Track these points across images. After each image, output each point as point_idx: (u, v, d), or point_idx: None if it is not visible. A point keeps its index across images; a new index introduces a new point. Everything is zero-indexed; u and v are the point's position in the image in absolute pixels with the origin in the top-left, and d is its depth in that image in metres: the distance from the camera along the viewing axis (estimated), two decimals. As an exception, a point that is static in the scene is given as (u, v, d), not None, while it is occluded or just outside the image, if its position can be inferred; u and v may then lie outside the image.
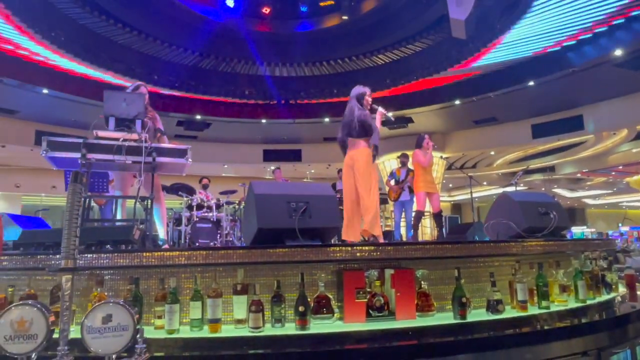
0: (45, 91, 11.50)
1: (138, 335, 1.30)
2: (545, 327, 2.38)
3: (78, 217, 1.19)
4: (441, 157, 12.04)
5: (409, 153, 7.60)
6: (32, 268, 2.31)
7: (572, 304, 2.74)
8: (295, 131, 15.20)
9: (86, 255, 2.24)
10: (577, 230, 24.06)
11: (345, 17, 10.79)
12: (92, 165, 3.47)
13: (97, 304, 1.24)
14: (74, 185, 1.13)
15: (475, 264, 2.69)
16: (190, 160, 3.72)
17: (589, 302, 2.80)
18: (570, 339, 2.36)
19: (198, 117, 14.19)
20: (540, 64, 11.24)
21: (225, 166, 17.22)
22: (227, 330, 2.19)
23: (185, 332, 2.18)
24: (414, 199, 7.44)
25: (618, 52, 9.85)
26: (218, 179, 16.10)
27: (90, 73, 11.79)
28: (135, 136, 3.50)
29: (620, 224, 26.01)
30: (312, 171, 17.18)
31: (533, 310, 2.55)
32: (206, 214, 7.61)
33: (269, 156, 16.19)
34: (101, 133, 3.48)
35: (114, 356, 1.19)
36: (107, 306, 1.22)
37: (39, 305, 1.23)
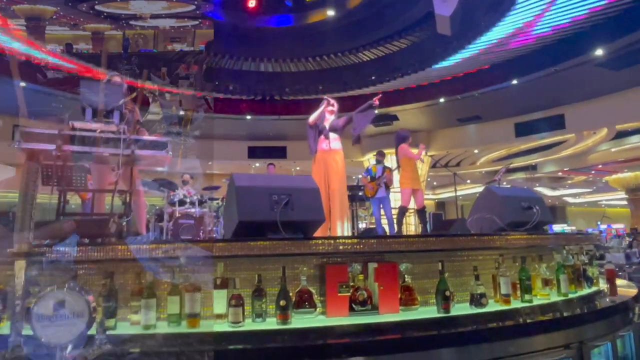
0: (22, 84, 11.19)
1: (98, 325, 1.22)
2: (528, 321, 2.37)
3: (34, 197, 1.11)
4: (426, 153, 12.12)
5: (386, 151, 7.76)
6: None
7: (555, 298, 2.75)
8: (281, 128, 15.10)
9: (58, 248, 2.14)
10: (557, 228, 24.45)
11: (331, 13, 10.73)
12: (68, 157, 3.35)
13: (48, 289, 1.15)
14: (29, 163, 1.05)
15: (459, 257, 2.67)
16: (170, 153, 3.63)
17: (570, 295, 2.81)
18: (553, 332, 2.36)
19: (182, 112, 13.99)
20: (524, 63, 11.37)
21: (210, 163, 17.02)
22: (206, 326, 2.13)
23: (163, 328, 2.11)
24: (390, 195, 7.59)
25: (599, 52, 10.01)
26: (203, 175, 15.91)
27: (69, 66, 11.53)
28: (113, 127, 3.39)
29: (599, 222, 26.54)
30: (297, 168, 17.10)
31: (516, 303, 2.55)
32: (188, 210, 7.49)
33: (254, 153, 16.05)
34: (77, 124, 3.36)
35: (68, 347, 1.11)
36: (60, 292, 1.14)
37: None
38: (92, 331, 1.30)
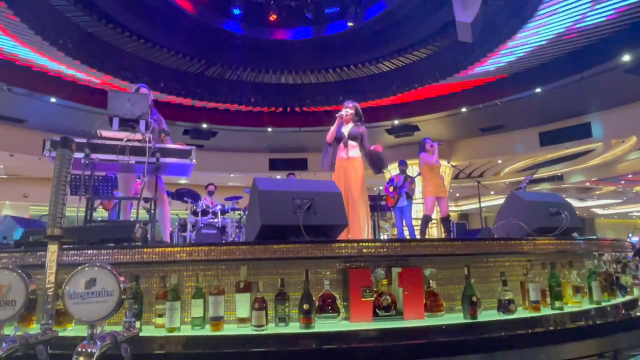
0: (53, 100, 11.59)
1: (127, 308, 1.23)
2: (559, 328, 2.29)
3: (66, 184, 1.13)
4: (448, 162, 11.99)
5: (409, 161, 7.69)
6: (31, 265, 2.26)
7: (586, 306, 2.65)
8: (301, 140, 15.18)
9: (86, 251, 2.19)
10: (586, 240, 23.69)
11: (350, 24, 10.81)
12: (96, 165, 3.45)
13: (79, 267, 1.17)
14: (62, 151, 1.08)
15: (486, 263, 2.61)
16: (194, 161, 3.69)
17: (603, 303, 2.71)
18: (586, 340, 2.27)
19: (204, 125, 14.23)
20: (547, 70, 11.17)
21: (232, 175, 17.23)
22: (230, 329, 2.13)
23: (187, 331, 2.12)
24: (412, 205, 7.51)
25: (626, 58, 9.77)
26: (224, 188, 16.10)
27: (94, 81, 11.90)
28: (139, 136, 3.47)
29: (630, 234, 25.65)
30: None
31: (546, 311, 2.47)
32: (211, 220, 7.57)
33: (275, 165, 16.16)
34: (105, 133, 3.46)
35: (99, 325, 1.12)
36: (91, 270, 1.15)
37: (19, 271, 1.16)
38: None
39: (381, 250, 2.25)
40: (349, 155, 4.66)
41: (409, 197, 7.52)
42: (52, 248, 1.13)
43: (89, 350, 1.02)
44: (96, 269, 1.13)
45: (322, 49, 11.89)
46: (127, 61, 11.29)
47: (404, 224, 7.67)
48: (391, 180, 7.92)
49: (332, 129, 4.72)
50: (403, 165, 7.97)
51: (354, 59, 11.91)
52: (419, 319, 2.27)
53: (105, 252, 2.20)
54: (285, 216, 2.41)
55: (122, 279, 1.15)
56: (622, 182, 19.84)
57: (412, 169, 12.92)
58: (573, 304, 2.63)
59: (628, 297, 3.06)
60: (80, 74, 11.46)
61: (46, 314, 1.13)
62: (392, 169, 15.71)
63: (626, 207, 26.88)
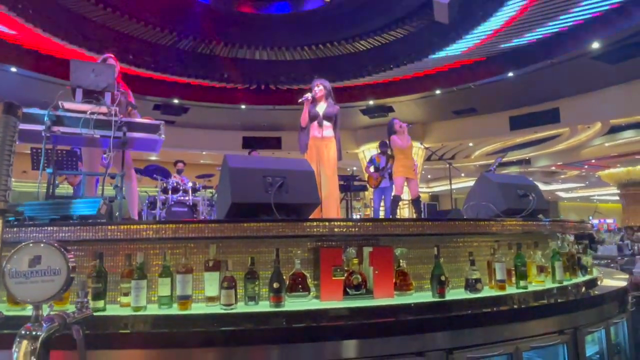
0: (13, 70, 11.00)
1: (80, 286, 1.18)
2: (523, 306, 2.36)
3: (11, 154, 1.05)
4: (420, 143, 12.09)
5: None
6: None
7: (549, 285, 2.74)
8: (276, 118, 15.00)
9: (46, 228, 2.09)
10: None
11: (327, 0, 10.61)
12: (58, 138, 3.29)
13: (23, 244, 1.10)
14: (7, 117, 1.00)
15: (455, 243, 2.65)
16: (163, 136, 3.57)
17: (565, 283, 2.81)
18: (547, 318, 2.35)
19: (176, 101, 13.84)
20: (520, 55, 11.32)
21: (204, 153, 16.92)
22: (198, 308, 2.09)
23: (153, 310, 2.07)
24: (394, 186, 7.51)
25: (595, 45, 9.98)
26: (196, 165, 15.82)
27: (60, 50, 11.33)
28: (104, 109, 3.32)
29: (590, 217, 26.80)
30: (292, 159, 17.00)
31: (511, 290, 2.54)
32: (182, 198, 7.43)
33: (249, 143, 15.93)
34: (67, 105, 3.29)
35: (45, 306, 1.06)
36: (36, 247, 1.08)
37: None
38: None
39: (353, 229, 2.24)
40: (323, 135, 4.63)
41: (391, 177, 7.49)
42: (-3, 222, 1.06)
43: (34, 332, 0.96)
44: (42, 245, 1.06)
45: (298, 25, 11.64)
46: (94, 31, 10.77)
47: (382, 205, 7.69)
48: (372, 160, 7.88)
49: (304, 113, 4.67)
50: (384, 147, 7.91)
51: (331, 37, 11.73)
52: (388, 298, 2.29)
53: (67, 228, 2.11)
54: (256, 194, 2.37)
55: (70, 256, 1.09)
56: (586, 166, 20.60)
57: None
58: (537, 283, 2.72)
59: (588, 277, 3.18)
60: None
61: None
62: (366, 150, 15.80)
63: (588, 190, 28.02)
